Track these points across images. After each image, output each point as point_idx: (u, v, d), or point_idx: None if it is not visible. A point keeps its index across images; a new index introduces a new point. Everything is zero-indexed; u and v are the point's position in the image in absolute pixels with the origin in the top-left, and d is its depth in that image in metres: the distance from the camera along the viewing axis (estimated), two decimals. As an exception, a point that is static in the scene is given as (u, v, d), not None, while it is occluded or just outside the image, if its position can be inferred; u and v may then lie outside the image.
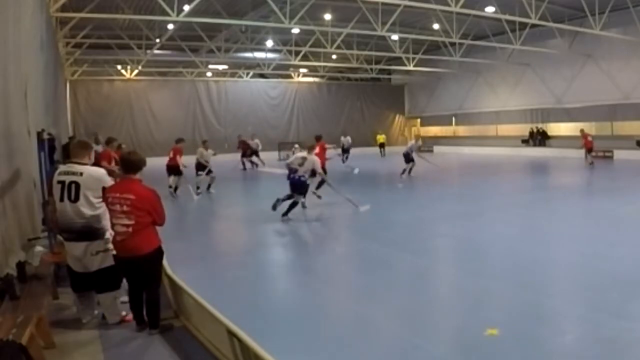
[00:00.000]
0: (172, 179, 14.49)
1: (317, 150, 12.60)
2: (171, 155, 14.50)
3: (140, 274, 4.52)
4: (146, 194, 4.46)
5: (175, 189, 14.48)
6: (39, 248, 5.69)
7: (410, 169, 17.72)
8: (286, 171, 11.03)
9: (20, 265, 4.76)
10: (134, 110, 30.67)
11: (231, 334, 3.51)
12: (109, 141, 10.91)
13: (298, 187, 10.45)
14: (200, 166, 15.19)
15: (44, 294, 4.50)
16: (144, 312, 4.64)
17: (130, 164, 4.54)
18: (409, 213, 11.27)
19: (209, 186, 15.34)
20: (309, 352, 4.29)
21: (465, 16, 20.28)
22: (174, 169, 14.45)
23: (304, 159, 10.61)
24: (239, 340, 3.38)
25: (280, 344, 4.18)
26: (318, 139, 14.23)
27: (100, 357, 4.16)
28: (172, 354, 4.18)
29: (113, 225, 4.46)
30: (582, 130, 21.24)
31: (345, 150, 26.07)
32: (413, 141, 19.45)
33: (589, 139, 20.67)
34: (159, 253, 4.64)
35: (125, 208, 4.34)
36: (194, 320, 4.55)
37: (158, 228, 4.61)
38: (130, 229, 4.35)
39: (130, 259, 4.42)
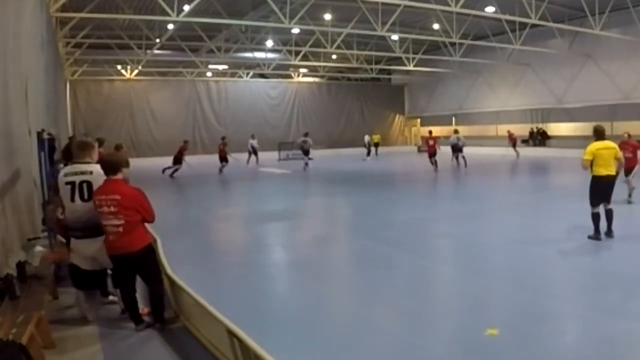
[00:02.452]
0: (221, 165, 21.95)
1: (432, 142, 19.95)
2: (221, 147, 22.33)
3: (136, 270, 4.65)
4: (131, 193, 4.53)
5: (221, 169, 21.71)
6: (39, 248, 5.69)
7: (464, 157, 21.48)
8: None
9: (20, 265, 4.77)
10: (134, 110, 30.69)
11: (231, 334, 3.51)
12: (99, 142, 10.60)
13: None
14: (305, 152, 22.86)
15: (44, 294, 4.52)
16: (139, 310, 4.75)
17: (110, 165, 4.57)
18: (409, 213, 11.26)
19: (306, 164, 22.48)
20: (309, 352, 4.28)
21: (465, 16, 20.29)
22: (224, 158, 22.01)
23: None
24: (239, 340, 3.38)
25: (280, 344, 4.18)
26: (430, 131, 21.84)
27: (100, 357, 4.16)
28: (172, 354, 4.19)
29: (104, 227, 4.50)
30: (508, 131, 26.53)
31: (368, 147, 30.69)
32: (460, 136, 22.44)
33: (513, 136, 25.98)
34: (151, 249, 4.77)
35: (112, 209, 4.40)
36: (194, 320, 4.55)
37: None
38: (120, 229, 4.43)
39: (124, 257, 4.50)
